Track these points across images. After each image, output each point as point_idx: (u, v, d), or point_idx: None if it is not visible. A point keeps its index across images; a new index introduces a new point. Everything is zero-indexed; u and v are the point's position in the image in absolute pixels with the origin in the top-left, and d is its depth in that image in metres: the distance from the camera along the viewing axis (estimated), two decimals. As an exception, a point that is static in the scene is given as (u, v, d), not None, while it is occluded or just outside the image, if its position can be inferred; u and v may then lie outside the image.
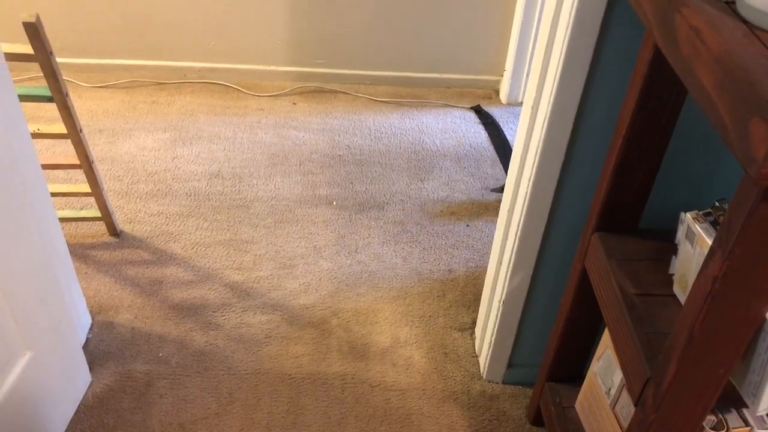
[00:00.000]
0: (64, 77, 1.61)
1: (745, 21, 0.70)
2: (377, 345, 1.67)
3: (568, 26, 1.10)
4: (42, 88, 1.61)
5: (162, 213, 2.03)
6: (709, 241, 0.89)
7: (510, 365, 1.58)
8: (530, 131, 1.28)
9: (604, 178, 1.08)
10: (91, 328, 1.65)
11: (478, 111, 2.66)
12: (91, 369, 1.54)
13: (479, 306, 1.72)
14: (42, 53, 1.51)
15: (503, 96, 2.74)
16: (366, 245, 1.97)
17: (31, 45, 1.50)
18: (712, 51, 0.67)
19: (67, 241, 1.58)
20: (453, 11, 2.59)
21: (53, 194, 1.77)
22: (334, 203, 2.12)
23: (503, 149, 2.44)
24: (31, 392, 1.29)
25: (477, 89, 2.80)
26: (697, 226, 0.92)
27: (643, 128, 1.00)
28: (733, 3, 0.73)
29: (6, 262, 1.17)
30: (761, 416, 0.89)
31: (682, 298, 0.99)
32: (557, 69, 1.14)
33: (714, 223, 0.92)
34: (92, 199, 2.00)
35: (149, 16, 2.55)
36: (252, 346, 1.64)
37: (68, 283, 1.54)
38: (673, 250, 1.03)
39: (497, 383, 1.60)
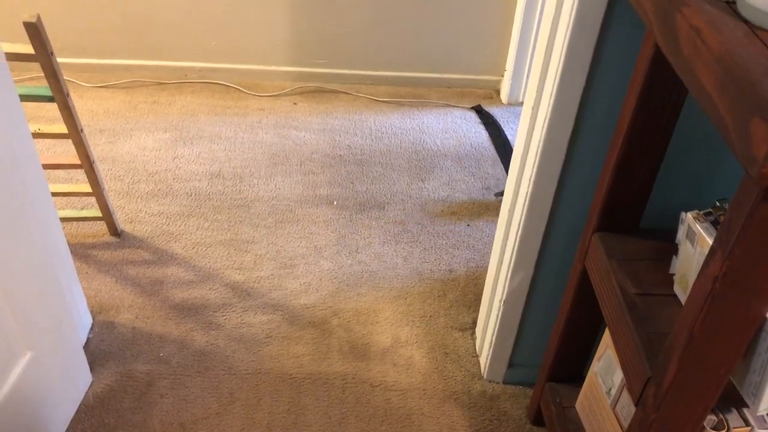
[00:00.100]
0: (64, 77, 1.61)
1: (745, 21, 0.70)
2: (378, 345, 1.67)
3: (568, 26, 1.10)
4: (43, 88, 1.61)
5: (163, 213, 2.03)
6: (710, 241, 0.89)
7: (510, 365, 1.58)
8: (531, 131, 1.28)
9: (604, 177, 1.08)
10: (91, 328, 1.65)
11: (479, 111, 2.66)
12: (91, 369, 1.54)
13: (480, 306, 1.72)
14: (43, 53, 1.52)
15: (504, 96, 2.74)
16: (367, 245, 1.97)
17: (32, 45, 1.50)
18: (713, 51, 0.67)
19: (67, 241, 1.58)
20: (453, 11, 2.59)
21: (54, 194, 1.77)
22: (335, 203, 2.12)
23: (504, 149, 2.44)
24: (32, 392, 1.29)
25: (477, 89, 2.80)
26: (697, 225, 0.92)
27: (644, 128, 1.00)
28: (734, 3, 0.73)
29: (7, 261, 1.17)
30: (762, 416, 0.89)
31: (683, 298, 0.99)
32: (558, 69, 1.14)
33: (714, 223, 0.92)
34: (93, 199, 2.00)
35: (150, 16, 2.56)
36: (253, 346, 1.64)
37: (69, 282, 1.54)
38: (674, 249, 1.03)
39: (498, 383, 1.60)
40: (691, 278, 0.95)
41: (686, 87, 0.87)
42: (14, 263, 1.19)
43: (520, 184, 1.35)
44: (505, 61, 2.73)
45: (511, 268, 1.42)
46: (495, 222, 2.06)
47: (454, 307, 1.79)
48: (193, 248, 1.91)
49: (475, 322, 1.75)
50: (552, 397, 1.37)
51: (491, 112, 2.65)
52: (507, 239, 1.44)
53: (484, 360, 1.61)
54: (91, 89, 2.59)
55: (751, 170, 0.60)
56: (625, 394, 1.11)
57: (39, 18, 1.46)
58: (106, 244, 1.90)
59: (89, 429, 1.43)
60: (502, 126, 2.57)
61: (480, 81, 2.78)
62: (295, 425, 1.47)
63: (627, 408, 1.10)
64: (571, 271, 1.24)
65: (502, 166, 2.36)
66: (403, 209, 2.12)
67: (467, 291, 1.85)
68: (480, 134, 2.52)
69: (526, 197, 1.31)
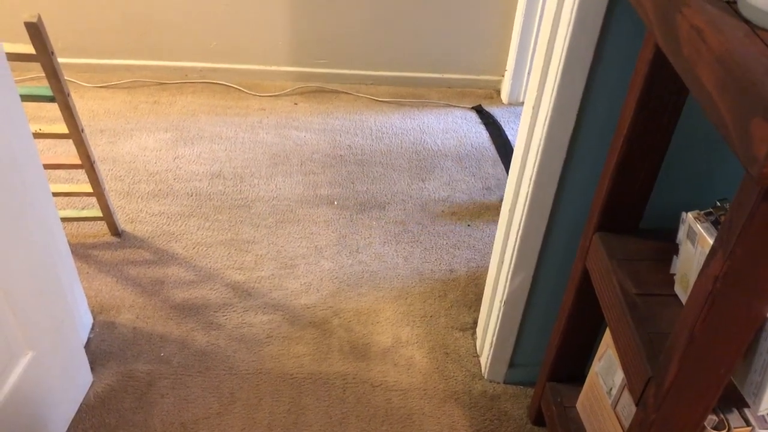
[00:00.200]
0: (65, 77, 1.61)
1: (746, 21, 0.70)
2: (378, 345, 1.67)
3: (569, 26, 1.10)
4: (44, 88, 1.61)
5: (163, 213, 2.03)
6: (711, 241, 0.89)
7: (511, 365, 1.58)
8: (531, 131, 1.28)
9: (605, 177, 1.08)
10: (92, 328, 1.65)
11: (480, 111, 2.66)
12: (92, 369, 1.54)
13: (480, 306, 1.72)
14: (43, 53, 1.52)
15: (504, 96, 2.74)
16: (367, 245, 1.97)
17: (33, 45, 1.50)
18: (714, 51, 0.67)
19: (68, 241, 1.58)
20: (454, 11, 2.59)
21: (55, 194, 1.77)
22: (336, 203, 2.12)
23: (504, 149, 2.44)
24: (33, 392, 1.29)
25: (478, 89, 2.80)
26: (698, 225, 0.92)
27: (644, 128, 1.00)
28: (735, 3, 0.73)
29: (7, 261, 1.17)
30: (763, 416, 0.89)
31: (684, 298, 0.99)
32: (558, 69, 1.14)
33: (715, 223, 0.92)
34: (94, 199, 2.00)
35: (151, 16, 2.56)
36: (253, 346, 1.64)
37: (70, 282, 1.55)
38: (675, 249, 1.03)
39: (498, 383, 1.60)
40: (692, 278, 0.95)
41: (687, 87, 0.87)
42: (15, 263, 1.19)
43: (521, 184, 1.35)
44: (506, 61, 2.73)
45: (511, 268, 1.42)
46: (495, 222, 2.06)
47: (454, 307, 1.79)
48: (194, 248, 1.91)
49: (475, 322, 1.75)
50: (553, 397, 1.37)
51: (492, 112, 2.65)
52: (508, 239, 1.44)
53: (484, 360, 1.61)
54: (91, 89, 2.59)
55: (752, 170, 0.60)
56: (626, 394, 1.11)
57: (40, 18, 1.47)
58: (107, 244, 1.91)
59: (90, 429, 1.43)
60: (503, 126, 2.57)
61: (480, 81, 2.78)
62: (295, 425, 1.47)
63: (628, 408, 1.10)
64: (572, 271, 1.24)
65: (502, 166, 2.36)
66: (404, 209, 2.12)
67: (468, 291, 1.85)
68: (480, 134, 2.52)
69: (526, 197, 1.31)
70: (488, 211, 2.13)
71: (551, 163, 1.25)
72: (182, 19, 2.57)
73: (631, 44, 1.10)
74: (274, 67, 2.70)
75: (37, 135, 1.66)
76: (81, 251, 1.87)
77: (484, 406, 1.55)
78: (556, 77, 1.16)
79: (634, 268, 1.05)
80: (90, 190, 1.81)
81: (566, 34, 1.11)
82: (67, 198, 2.04)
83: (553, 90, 1.17)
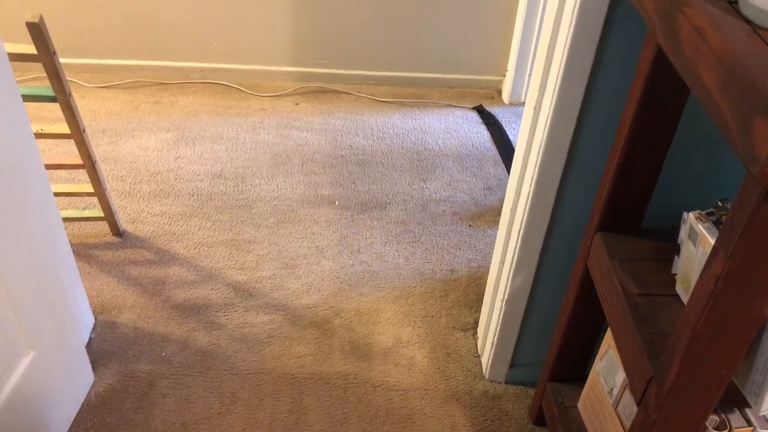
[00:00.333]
0: (67, 77, 1.61)
1: (747, 21, 0.70)
2: (379, 345, 1.67)
3: (570, 26, 1.10)
4: (45, 88, 1.61)
5: (165, 213, 2.03)
6: (712, 241, 0.89)
7: (512, 365, 1.58)
8: (532, 131, 1.28)
9: (606, 177, 1.08)
10: (94, 328, 1.66)
11: (481, 111, 2.66)
12: (93, 369, 1.55)
13: (482, 306, 1.72)
14: (45, 53, 1.52)
15: (505, 96, 2.74)
16: (368, 245, 1.97)
17: (35, 45, 1.50)
18: (715, 51, 0.67)
19: (70, 241, 1.59)
20: (455, 11, 2.59)
21: (56, 194, 1.77)
22: (337, 203, 2.12)
23: (506, 149, 2.44)
24: (34, 392, 1.29)
25: (479, 89, 2.80)
26: (699, 225, 0.92)
27: (646, 128, 1.00)
28: (736, 3, 0.73)
29: (9, 261, 1.17)
30: (764, 416, 0.89)
31: (685, 298, 0.99)
32: (559, 69, 1.14)
33: (717, 223, 0.92)
34: (95, 199, 2.01)
35: (152, 16, 2.56)
36: (254, 346, 1.64)
37: (71, 282, 1.55)
38: (676, 249, 1.03)
39: (500, 383, 1.60)
40: (694, 278, 0.95)
41: (688, 87, 0.87)
42: (16, 263, 1.20)
43: (522, 184, 1.35)
44: (507, 61, 2.73)
45: (512, 268, 1.42)
46: (497, 222, 2.06)
47: (455, 307, 1.79)
48: (195, 248, 1.91)
49: (476, 322, 1.75)
50: (554, 396, 1.37)
51: (493, 113, 2.65)
52: (509, 239, 1.44)
53: (485, 360, 1.61)
54: (93, 89, 2.59)
55: (753, 170, 0.61)
56: (627, 394, 1.11)
57: (41, 18, 1.47)
58: (108, 244, 1.91)
59: (91, 428, 1.44)
60: (504, 126, 2.57)
61: (481, 81, 2.78)
62: (296, 425, 1.47)
63: (629, 408, 1.10)
64: (573, 271, 1.24)
65: (503, 166, 2.36)
66: (405, 209, 2.12)
67: (469, 291, 1.85)
68: (482, 134, 2.52)
69: (527, 197, 1.31)
70: (489, 212, 2.14)
71: (552, 163, 1.25)
72: (183, 20, 2.57)
73: (632, 44, 1.10)
74: (275, 68, 2.71)
75: (39, 135, 1.66)
76: (82, 251, 1.87)
77: (485, 406, 1.55)
78: (557, 77, 1.16)
79: (635, 268, 1.05)
80: (91, 190, 1.81)
81: (567, 35, 1.11)
82: (68, 198, 2.04)
83: (554, 90, 1.17)
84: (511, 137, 2.51)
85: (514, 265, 1.41)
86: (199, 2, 2.53)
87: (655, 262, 1.06)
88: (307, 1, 2.55)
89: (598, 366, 1.22)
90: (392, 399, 1.55)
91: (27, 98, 1.59)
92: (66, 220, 1.90)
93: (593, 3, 1.06)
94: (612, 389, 1.16)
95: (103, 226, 1.95)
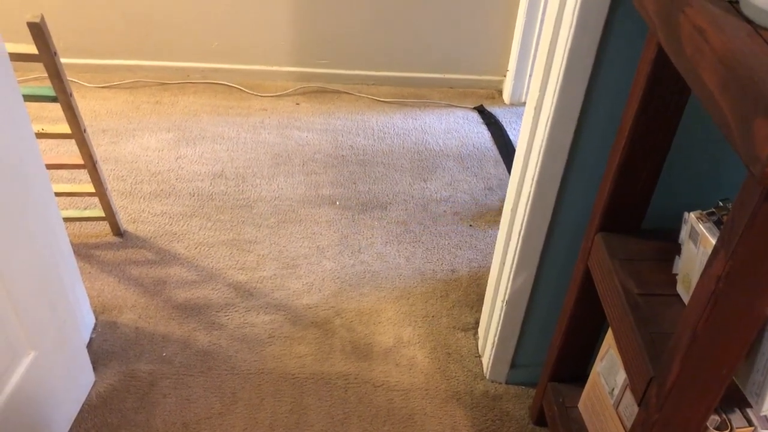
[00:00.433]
0: (67, 77, 1.61)
1: (748, 20, 0.70)
2: (380, 345, 1.67)
3: (571, 26, 1.10)
4: (46, 88, 1.61)
5: (165, 213, 2.03)
6: (713, 241, 0.89)
7: (513, 365, 1.58)
8: (533, 131, 1.28)
9: (607, 178, 1.08)
10: (94, 328, 1.66)
11: (481, 111, 2.66)
12: (94, 369, 1.55)
13: (482, 306, 1.72)
14: (46, 53, 1.52)
15: (506, 96, 2.74)
16: (369, 245, 1.97)
17: (36, 45, 1.50)
18: (716, 50, 0.67)
19: (71, 241, 1.59)
20: (456, 11, 2.59)
21: (57, 194, 1.77)
22: (337, 203, 2.12)
23: (506, 149, 2.44)
24: (35, 392, 1.29)
25: (480, 89, 2.80)
26: (700, 225, 0.92)
27: (647, 128, 1.00)
28: (737, 2, 0.73)
29: (10, 261, 1.17)
30: (765, 416, 0.89)
31: (686, 298, 0.99)
32: (560, 69, 1.14)
33: (717, 223, 0.92)
34: (96, 199, 2.01)
35: (152, 16, 2.56)
36: (255, 346, 1.64)
37: (72, 282, 1.55)
38: (677, 249, 1.03)
39: (500, 383, 1.60)
40: (694, 278, 0.95)
41: (689, 87, 0.87)
42: (17, 263, 1.20)
43: (523, 185, 1.35)
44: (508, 62, 2.73)
45: (513, 269, 1.42)
46: (497, 222, 2.06)
47: (456, 308, 1.79)
48: (196, 248, 1.91)
49: (477, 323, 1.75)
50: (554, 397, 1.37)
51: (493, 113, 2.65)
52: (510, 239, 1.44)
53: (486, 360, 1.61)
54: (93, 89, 2.59)
55: (754, 170, 0.61)
56: (628, 394, 1.11)
57: (42, 18, 1.47)
58: (109, 244, 1.91)
59: (92, 428, 1.44)
60: (505, 126, 2.57)
61: (482, 81, 2.78)
62: (297, 425, 1.47)
63: (630, 408, 1.10)
64: (574, 271, 1.24)
65: (504, 166, 2.36)
66: (406, 209, 2.12)
67: (470, 291, 1.85)
68: (482, 134, 2.52)
69: (528, 197, 1.31)
70: (490, 212, 2.14)
71: (553, 163, 1.25)
72: (184, 20, 2.57)
73: (633, 45, 1.10)
74: (275, 68, 2.71)
75: (40, 135, 1.66)
76: (83, 251, 1.87)
77: (486, 406, 1.55)
78: (558, 78, 1.16)
79: (636, 268, 1.05)
80: (92, 190, 1.81)
81: (568, 35, 1.11)
82: (69, 198, 2.04)
83: (555, 90, 1.17)
84: (511, 137, 2.51)
85: (514, 265, 1.41)
86: (200, 2, 2.53)
87: (655, 263, 1.06)
88: (307, 1, 2.55)
89: (599, 366, 1.22)
90: (393, 399, 1.55)
91: (28, 98, 1.59)
92: (67, 220, 1.90)
93: (594, 3, 1.06)
94: (613, 389, 1.16)
95: (104, 226, 1.95)
